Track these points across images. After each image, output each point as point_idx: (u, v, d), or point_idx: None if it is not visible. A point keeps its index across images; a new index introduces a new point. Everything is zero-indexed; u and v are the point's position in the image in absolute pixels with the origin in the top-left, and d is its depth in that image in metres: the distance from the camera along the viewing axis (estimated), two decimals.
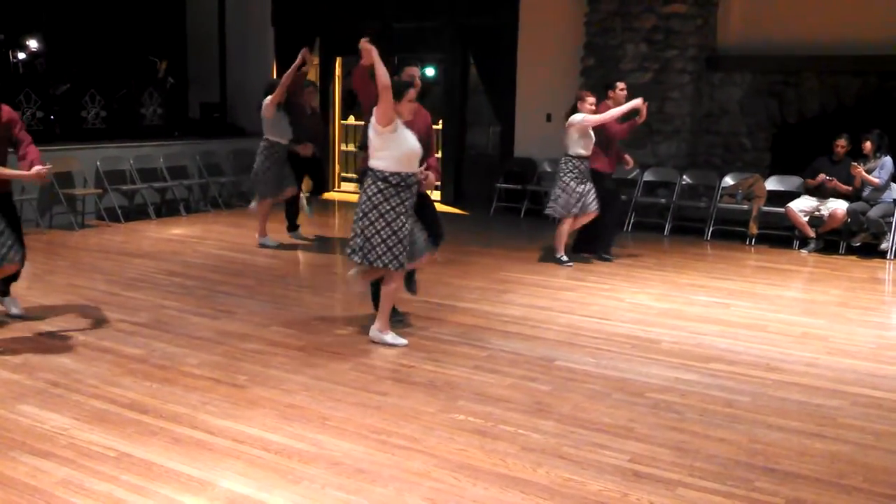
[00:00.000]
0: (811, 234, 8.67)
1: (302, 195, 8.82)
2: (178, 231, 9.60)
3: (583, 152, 7.57)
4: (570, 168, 7.60)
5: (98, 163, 10.06)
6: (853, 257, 8.41)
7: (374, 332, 5.39)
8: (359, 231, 5.09)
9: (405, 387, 4.61)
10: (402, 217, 5.04)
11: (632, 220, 9.98)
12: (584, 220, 7.76)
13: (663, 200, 9.85)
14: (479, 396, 4.47)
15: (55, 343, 5.22)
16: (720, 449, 3.87)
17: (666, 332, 5.77)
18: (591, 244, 8.05)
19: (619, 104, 7.70)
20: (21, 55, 10.82)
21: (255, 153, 8.13)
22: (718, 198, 9.51)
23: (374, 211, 5.01)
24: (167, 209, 10.84)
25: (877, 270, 7.96)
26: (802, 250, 8.70)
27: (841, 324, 6.06)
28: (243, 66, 13.09)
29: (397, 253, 5.04)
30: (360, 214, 5.08)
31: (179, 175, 11.11)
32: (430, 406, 4.32)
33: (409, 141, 5.02)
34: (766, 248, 8.89)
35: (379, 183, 5.01)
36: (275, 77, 12.95)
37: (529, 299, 6.57)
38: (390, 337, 5.35)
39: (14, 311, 5.79)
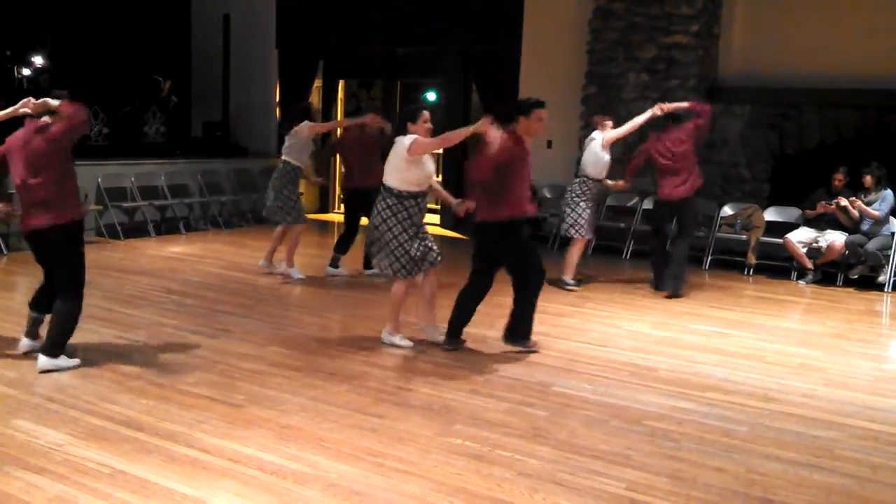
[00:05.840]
0: (809, 265, 8.68)
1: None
2: (177, 249, 9.61)
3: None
4: (586, 189, 7.97)
5: (99, 179, 10.09)
6: (851, 289, 8.42)
7: (384, 334, 5.90)
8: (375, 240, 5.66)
9: (402, 409, 4.60)
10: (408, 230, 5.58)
11: (630, 248, 10.02)
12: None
13: None
14: (475, 421, 4.46)
15: None
16: (717, 478, 3.86)
17: (664, 360, 5.77)
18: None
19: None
20: (26, 71, 10.90)
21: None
22: (717, 227, 9.54)
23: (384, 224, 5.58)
24: (167, 227, 10.86)
25: (874, 303, 7.98)
26: (800, 281, 8.71)
27: (838, 355, 6.07)
28: (246, 86, 13.18)
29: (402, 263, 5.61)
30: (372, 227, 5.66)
31: (180, 193, 11.15)
32: (426, 429, 4.31)
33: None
34: (764, 279, 8.91)
35: (390, 199, 5.59)
36: (278, 98, 13.09)
37: None
38: (398, 338, 5.83)
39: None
